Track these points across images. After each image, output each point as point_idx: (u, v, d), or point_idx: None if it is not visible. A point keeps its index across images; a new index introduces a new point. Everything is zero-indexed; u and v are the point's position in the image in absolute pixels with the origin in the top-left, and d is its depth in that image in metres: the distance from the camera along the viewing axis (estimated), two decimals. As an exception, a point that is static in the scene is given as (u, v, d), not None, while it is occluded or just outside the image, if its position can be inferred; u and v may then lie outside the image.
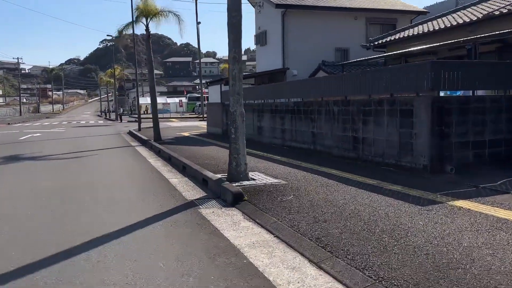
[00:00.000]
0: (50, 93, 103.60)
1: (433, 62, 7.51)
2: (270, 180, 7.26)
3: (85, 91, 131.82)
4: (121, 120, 38.87)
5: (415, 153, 7.57)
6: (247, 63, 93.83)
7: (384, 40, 16.97)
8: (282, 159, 9.78)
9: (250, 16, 24.99)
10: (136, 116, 52.22)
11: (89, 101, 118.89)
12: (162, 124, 33.99)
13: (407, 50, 13.91)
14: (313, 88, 11.40)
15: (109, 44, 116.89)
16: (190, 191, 7.05)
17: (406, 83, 7.84)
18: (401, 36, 16.06)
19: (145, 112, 57.45)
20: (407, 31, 16.52)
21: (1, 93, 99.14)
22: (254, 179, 7.31)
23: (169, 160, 10.85)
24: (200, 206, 5.92)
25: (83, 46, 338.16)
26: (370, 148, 8.86)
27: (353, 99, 9.48)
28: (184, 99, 53.53)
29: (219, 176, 7.46)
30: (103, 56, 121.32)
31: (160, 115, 49.64)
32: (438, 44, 12.13)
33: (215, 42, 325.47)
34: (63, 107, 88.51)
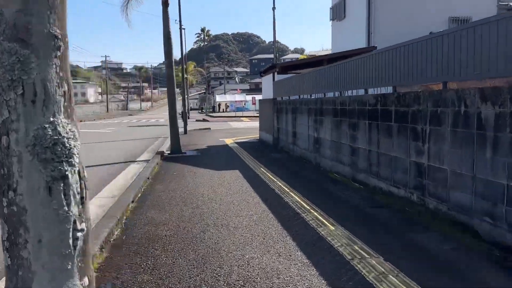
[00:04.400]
0: (146, 90, 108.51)
1: None
2: None
3: (178, 89, 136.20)
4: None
5: None
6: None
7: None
8: (336, 238, 3.88)
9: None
10: (212, 114, 49.74)
11: (178, 99, 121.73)
12: (223, 125, 29.38)
13: None
14: (420, 61, 5.15)
15: (201, 44, 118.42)
16: None
17: None
18: None
19: (223, 110, 54.61)
20: None
21: (100, 91, 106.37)
22: None
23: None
24: None
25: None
26: None
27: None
28: (258, 96, 48.61)
29: None
30: (196, 56, 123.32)
31: (233, 114, 46.16)
32: None
33: (304, 38, 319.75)
34: (151, 105, 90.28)
